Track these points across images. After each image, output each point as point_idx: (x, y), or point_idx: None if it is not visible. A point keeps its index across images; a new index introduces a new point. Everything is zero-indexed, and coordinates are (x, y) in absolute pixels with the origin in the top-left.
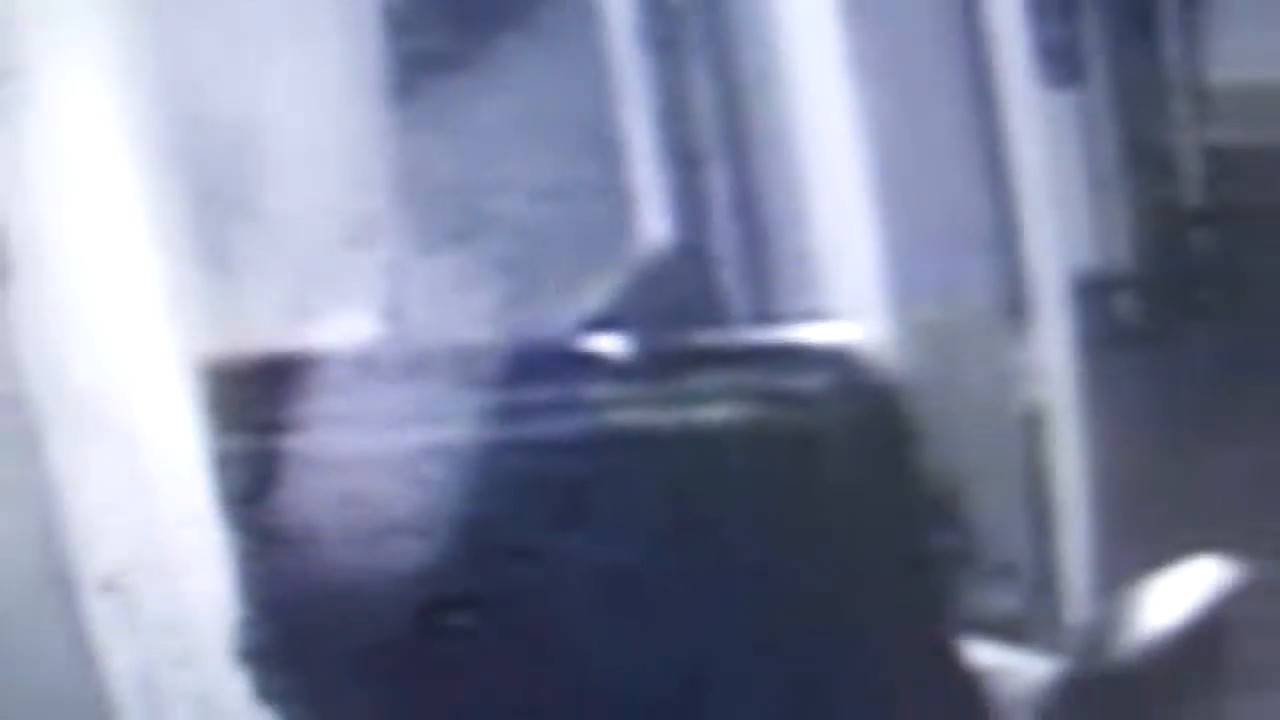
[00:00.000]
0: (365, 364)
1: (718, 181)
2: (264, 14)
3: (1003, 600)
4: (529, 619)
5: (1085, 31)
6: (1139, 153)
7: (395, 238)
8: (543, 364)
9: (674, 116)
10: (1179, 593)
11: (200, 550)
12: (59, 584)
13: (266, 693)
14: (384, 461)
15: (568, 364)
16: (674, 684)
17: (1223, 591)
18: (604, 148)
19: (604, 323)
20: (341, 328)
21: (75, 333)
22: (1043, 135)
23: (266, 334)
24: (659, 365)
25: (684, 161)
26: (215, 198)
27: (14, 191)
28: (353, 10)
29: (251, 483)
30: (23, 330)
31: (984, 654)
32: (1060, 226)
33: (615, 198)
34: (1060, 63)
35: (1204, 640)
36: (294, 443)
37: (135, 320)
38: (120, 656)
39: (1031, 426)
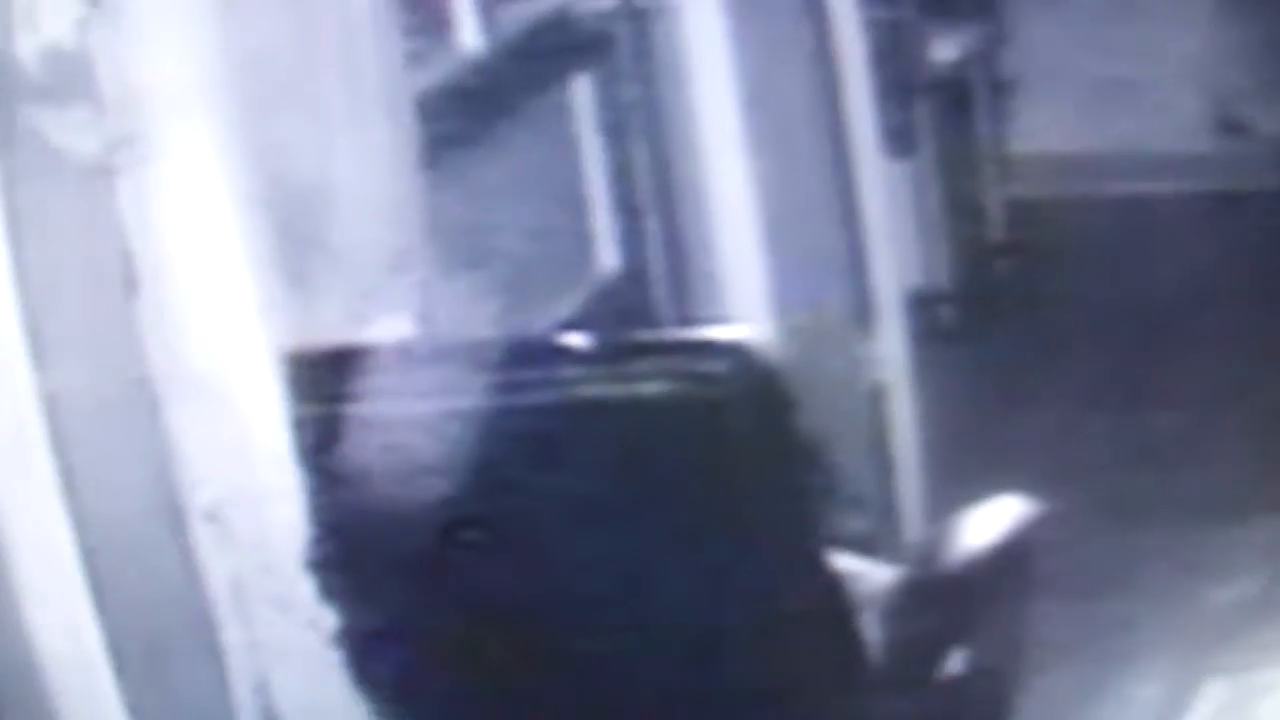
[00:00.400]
0: (403, 354)
1: (652, 226)
2: (330, 101)
3: (857, 523)
4: (519, 535)
5: (918, 117)
6: (956, 204)
7: (425, 265)
8: (529, 353)
9: (622, 180)
10: (989, 520)
11: (281, 488)
12: (173, 514)
13: (329, 592)
14: (416, 422)
15: (546, 353)
16: (622, 579)
17: (1022, 520)
18: (573, 202)
19: (572, 325)
20: (387, 328)
21: (187, 330)
22: (886, 192)
23: (332, 332)
24: (611, 354)
25: (629, 212)
26: (294, 233)
27: (140, 227)
28: (394, 101)
29: (320, 438)
30: (147, 329)
31: (844, 562)
32: (898, 257)
33: (581, 238)
34: (899, 140)
35: (1008, 556)
36: (351, 409)
37: (234, 322)
38: (218, 567)
39: (877, 399)
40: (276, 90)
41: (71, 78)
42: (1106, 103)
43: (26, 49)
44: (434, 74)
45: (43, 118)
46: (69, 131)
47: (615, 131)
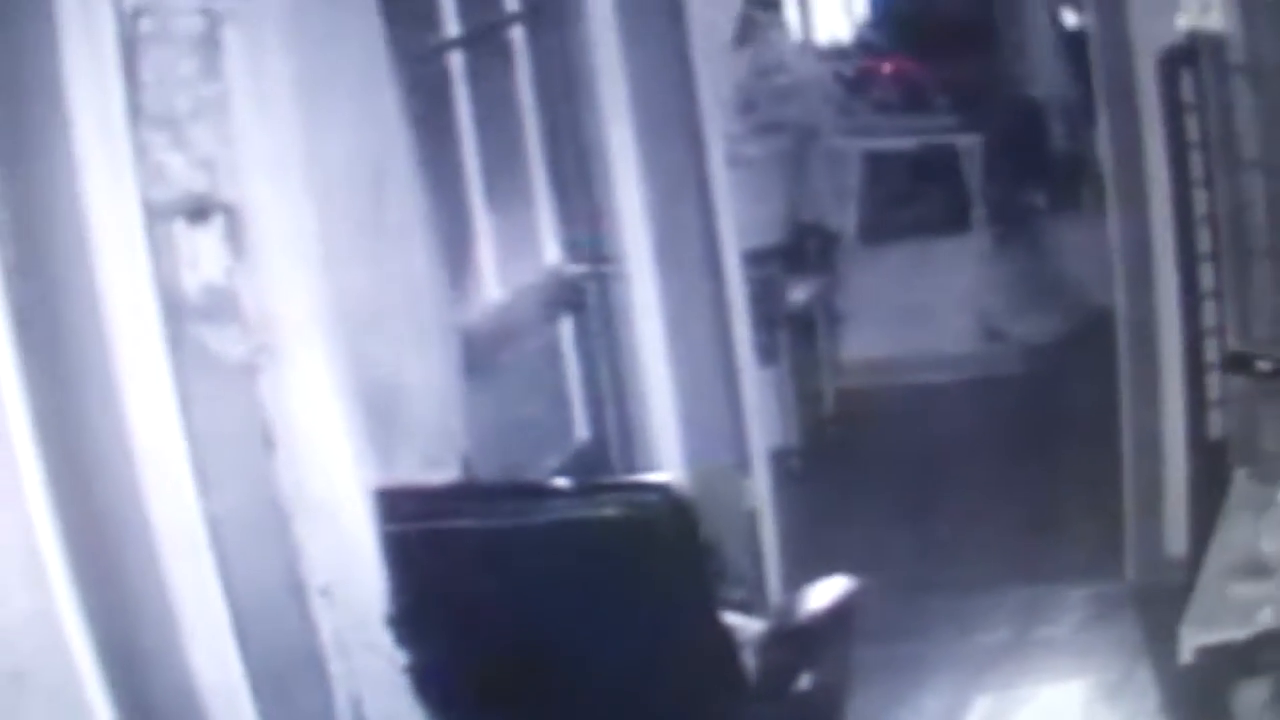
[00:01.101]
0: (451, 491)
1: (610, 414)
2: (401, 329)
3: (739, 593)
4: (526, 602)
5: (779, 338)
6: (804, 393)
7: (466, 438)
8: (532, 490)
9: (591, 384)
10: (825, 591)
11: (370, 572)
12: (297, 589)
13: (401, 639)
14: (459, 532)
15: (544, 490)
16: (591, 627)
17: (846, 591)
18: (561, 398)
19: (560, 472)
20: (440, 474)
21: (308, 472)
22: (758, 386)
23: (405, 475)
24: (584, 491)
25: (595, 403)
26: (379, 414)
27: (275, 406)
28: (445, 332)
29: (396, 542)
30: (280, 472)
31: (731, 618)
32: (766, 428)
33: (565, 419)
34: (767, 353)
35: (838, 614)
36: (417, 525)
37: (339, 467)
38: (327, 623)
39: (751, 517)
40: (364, 319)
41: (223, 306)
42: (906, 323)
43: (190, 284)
44: (471, 313)
45: (203, 332)
46: (223, 343)
47: (587, 354)
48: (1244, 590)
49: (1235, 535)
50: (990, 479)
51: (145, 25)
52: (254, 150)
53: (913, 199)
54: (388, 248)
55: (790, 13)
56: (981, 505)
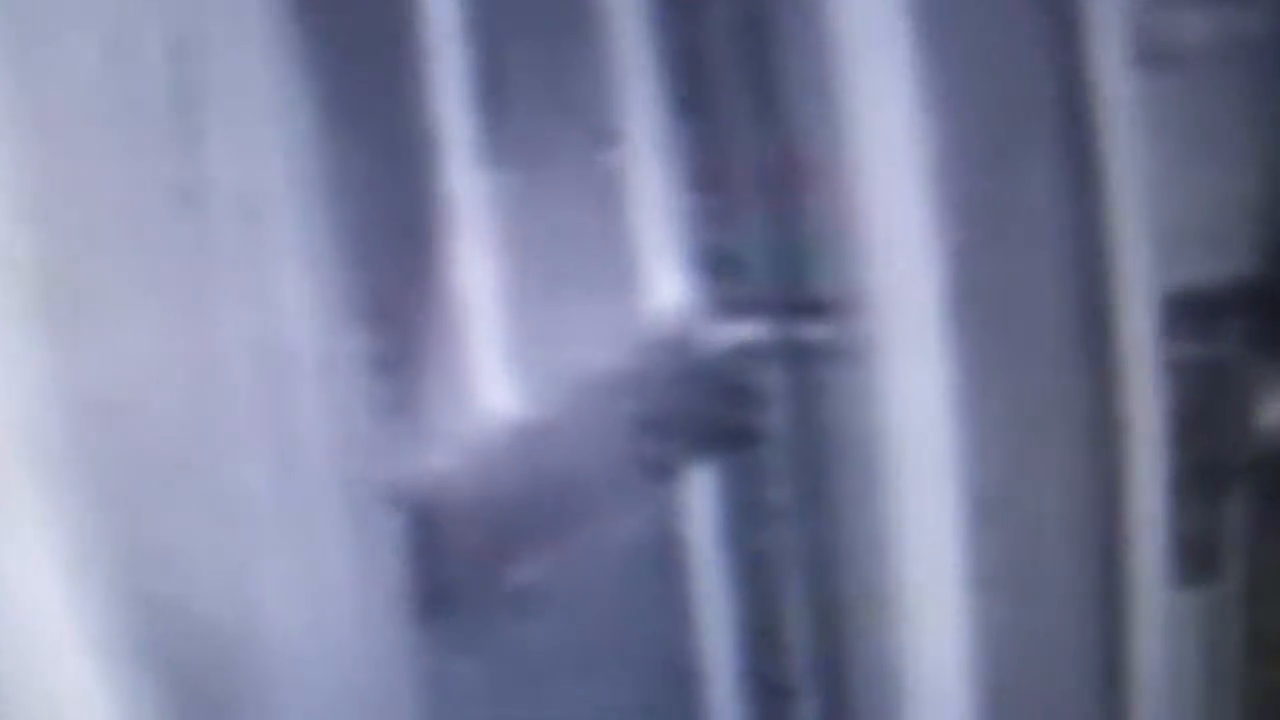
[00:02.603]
0: None
1: (806, 711)
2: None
3: None
4: None
5: (1224, 508)
6: (1264, 641)
7: None
8: None
9: (762, 641)
10: None
11: None
12: None
13: None
14: None
15: None
16: None
17: None
18: (679, 677)
19: None
20: None
21: None
22: (1159, 629)
23: None
24: None
25: (770, 693)
26: (197, 705)
27: None
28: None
29: None
30: None
31: None
32: (1171, 708)
33: (691, 701)
34: (1197, 557)
35: None
36: None
37: None
38: None
39: None
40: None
41: None
42: None
43: None
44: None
45: None
46: None
47: (754, 563)
48: None
49: None
50: None
51: None
52: None
53: None
54: (245, 305)
55: None
56: None
